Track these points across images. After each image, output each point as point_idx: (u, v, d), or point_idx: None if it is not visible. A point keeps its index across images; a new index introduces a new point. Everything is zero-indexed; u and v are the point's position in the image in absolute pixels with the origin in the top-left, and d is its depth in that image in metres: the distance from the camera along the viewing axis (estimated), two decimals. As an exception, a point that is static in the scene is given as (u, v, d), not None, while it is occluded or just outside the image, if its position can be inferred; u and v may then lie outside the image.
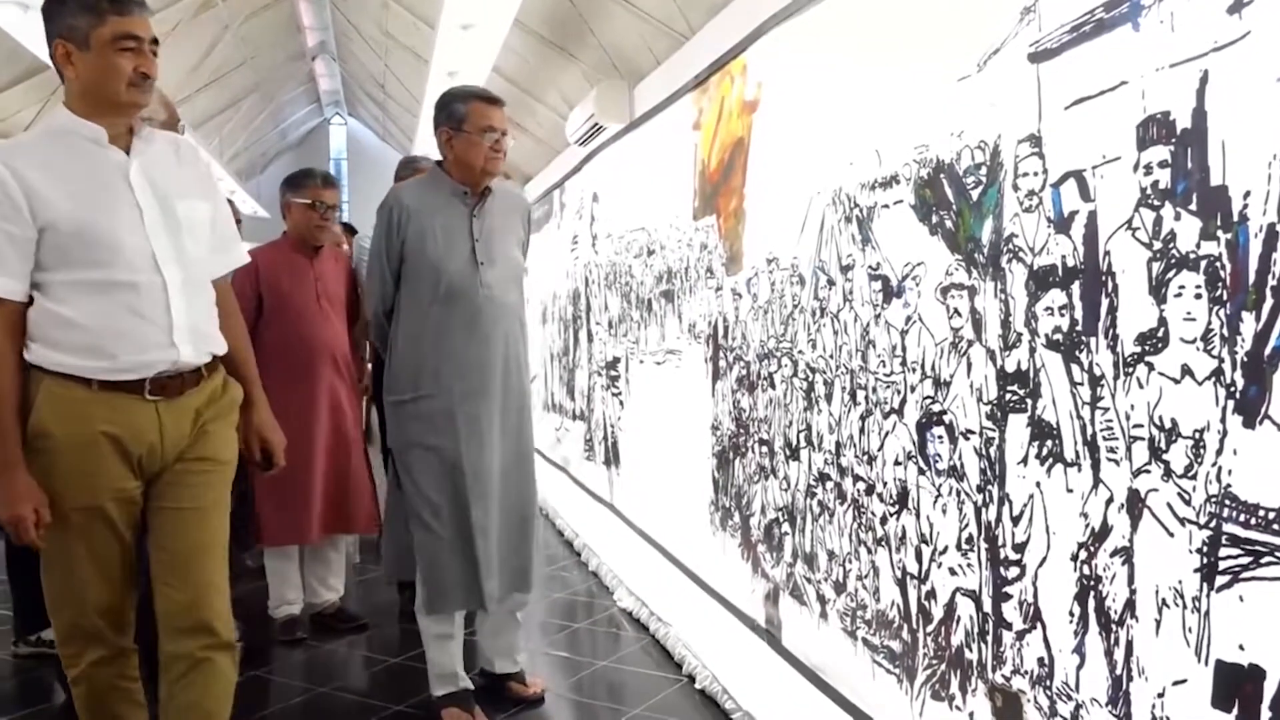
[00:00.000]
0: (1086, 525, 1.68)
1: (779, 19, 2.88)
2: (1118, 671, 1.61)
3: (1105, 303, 1.62)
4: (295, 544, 3.61)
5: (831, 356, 2.60)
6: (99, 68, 1.92)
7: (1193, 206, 1.45)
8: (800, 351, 2.79)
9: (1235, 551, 1.39)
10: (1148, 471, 1.55)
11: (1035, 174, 1.79)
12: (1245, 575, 1.38)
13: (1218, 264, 1.41)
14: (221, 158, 9.67)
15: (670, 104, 4.00)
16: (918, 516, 2.21)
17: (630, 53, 4.90)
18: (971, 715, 2.02)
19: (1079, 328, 1.69)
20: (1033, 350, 1.81)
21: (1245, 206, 1.36)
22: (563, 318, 6.19)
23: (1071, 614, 1.72)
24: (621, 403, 4.78)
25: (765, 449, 3.05)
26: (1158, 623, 1.53)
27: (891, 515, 2.32)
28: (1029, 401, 1.82)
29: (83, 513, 1.95)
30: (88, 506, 1.95)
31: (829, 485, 2.63)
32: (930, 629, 2.17)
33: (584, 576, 4.43)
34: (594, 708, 3.00)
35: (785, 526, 2.91)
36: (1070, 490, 1.72)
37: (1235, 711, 1.39)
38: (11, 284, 1.90)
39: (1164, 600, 1.52)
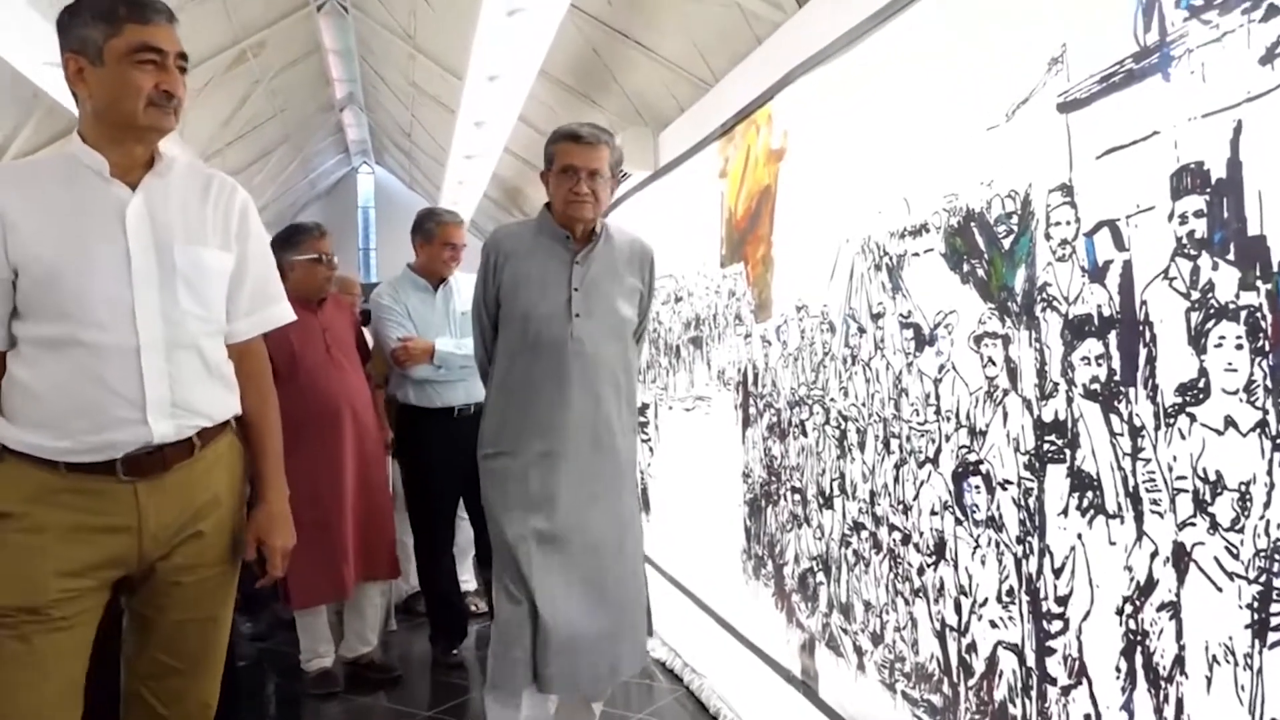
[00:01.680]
0: (1131, 578, 1.65)
1: (804, 69, 2.90)
2: (1168, 730, 1.58)
3: (1144, 353, 1.61)
4: (326, 604, 3.57)
5: (864, 404, 2.59)
6: (114, 85, 1.67)
7: (1230, 256, 1.44)
8: (832, 399, 2.77)
9: (1287, 608, 1.36)
10: (1193, 524, 1.52)
11: (1068, 223, 1.79)
12: (1299, 632, 1.35)
13: (1258, 314, 1.39)
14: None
15: (696, 152, 4.03)
16: (956, 567, 2.18)
17: (654, 99, 4.96)
18: (1017, 772, 1.97)
19: (1117, 378, 1.67)
20: (1070, 400, 1.79)
21: (1285, 257, 1.35)
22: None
23: (1118, 669, 1.69)
24: (651, 449, 4.77)
25: (798, 497, 3.03)
26: (1209, 680, 1.49)
27: (929, 566, 2.29)
28: (1068, 452, 1.80)
29: (23, 611, 1.64)
30: (31, 606, 1.64)
31: (864, 534, 2.61)
32: (972, 683, 2.13)
33: (616, 625, 4.39)
34: (629, 762, 2.97)
35: (820, 576, 2.88)
36: (1113, 543, 1.69)
37: (1293, 773, 1.35)
38: None
39: (1214, 656, 1.48)
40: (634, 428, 2.78)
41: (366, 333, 3.83)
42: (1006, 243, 1.97)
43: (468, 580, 4.44)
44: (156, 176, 1.76)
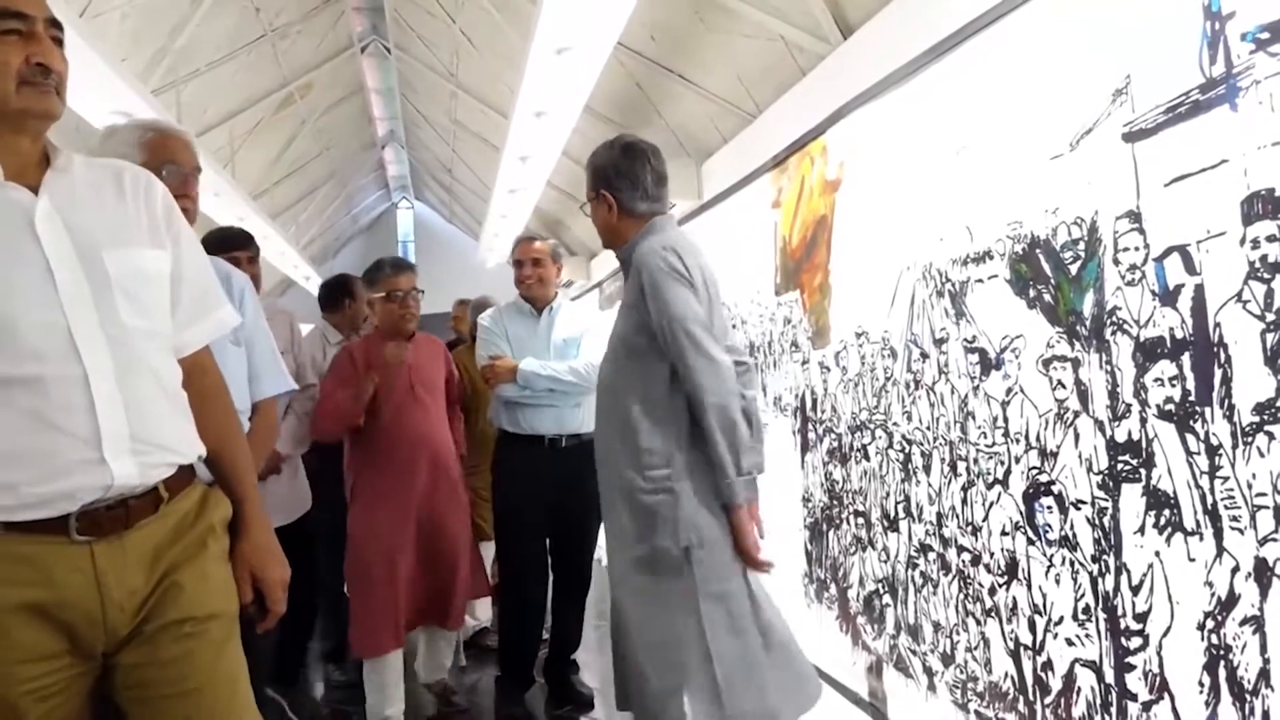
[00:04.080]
0: (1212, 594, 1.69)
1: (859, 101, 2.98)
2: (1256, 742, 1.61)
3: (1219, 373, 1.66)
4: (385, 653, 3.31)
5: (929, 428, 2.64)
6: None
7: (1305, 279, 1.49)
8: (895, 423, 2.82)
9: (1374, 619, 1.40)
10: (1275, 540, 1.56)
11: (1136, 249, 1.84)
12: (1387, 643, 1.38)
13: (1336, 335, 1.44)
14: (298, 244, 10.03)
15: (747, 183, 4.11)
16: (1029, 587, 2.22)
17: (697, 131, 5.05)
18: (1098, 788, 2.00)
19: (1192, 398, 1.72)
20: (1144, 420, 1.84)
21: (1361, 279, 1.40)
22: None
23: (1201, 684, 1.72)
24: (704, 475, 4.82)
25: (861, 520, 3.07)
26: (1295, 692, 1.53)
27: (1001, 586, 2.33)
28: (1143, 471, 1.85)
29: None
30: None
31: (931, 556, 2.65)
32: (1049, 700, 2.16)
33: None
34: (700, 785, 3.00)
35: (886, 598, 2.92)
36: (1192, 559, 1.73)
37: (1386, 782, 1.39)
38: None
39: (1301, 669, 1.52)
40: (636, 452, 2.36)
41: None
42: (1074, 268, 2.03)
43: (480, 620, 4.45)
44: (58, 174, 1.45)
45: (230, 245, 3.03)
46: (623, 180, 2.48)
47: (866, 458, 3.02)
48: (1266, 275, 1.56)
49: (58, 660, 1.36)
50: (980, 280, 2.37)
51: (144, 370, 1.44)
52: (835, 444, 3.24)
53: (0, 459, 1.32)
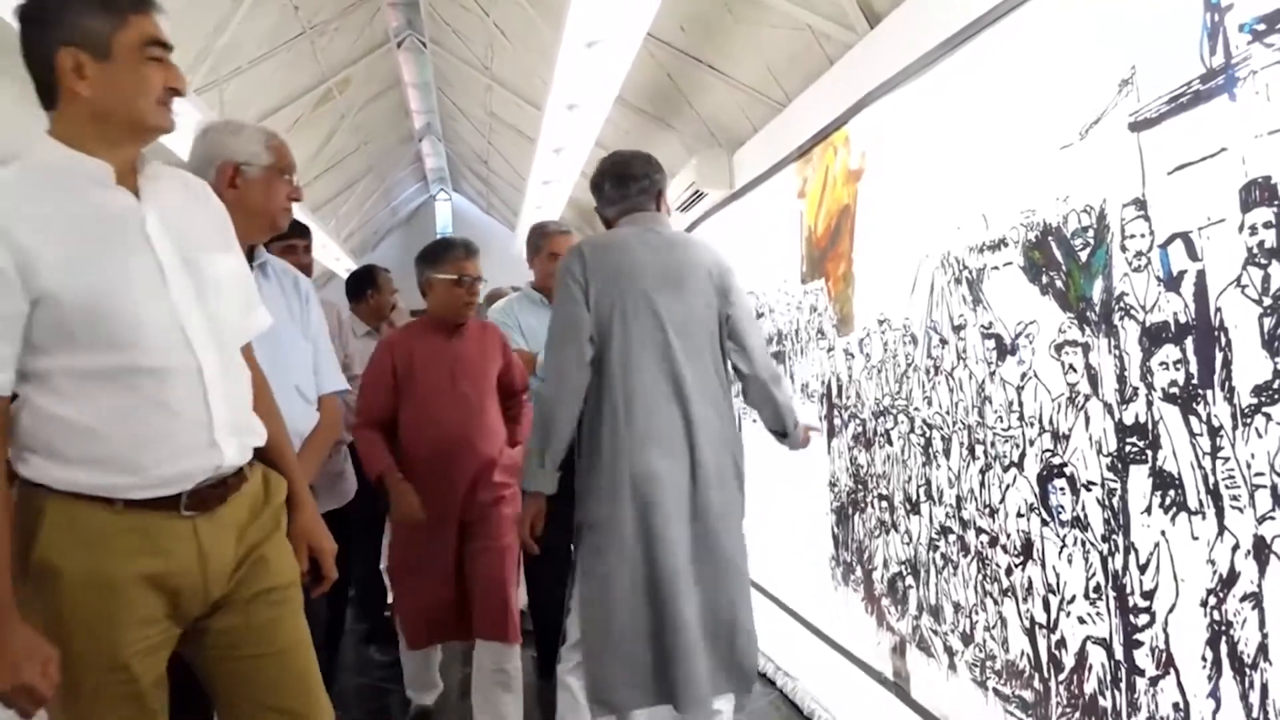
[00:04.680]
0: (1214, 572, 1.74)
1: (880, 93, 3.02)
2: (1254, 714, 1.66)
3: (1220, 357, 1.70)
4: (418, 649, 3.32)
5: (948, 413, 2.69)
6: (124, 82, 1.49)
7: (1299, 265, 1.53)
8: (916, 409, 2.88)
9: (1364, 594, 1.44)
10: (1272, 518, 1.61)
11: (1142, 235, 1.88)
12: (1376, 617, 1.43)
13: (1328, 318, 1.48)
14: (338, 237, 10.20)
15: (773, 173, 4.16)
16: (1043, 567, 2.27)
17: (728, 121, 5.10)
18: (1109, 762, 2.06)
19: (1195, 381, 1.76)
20: (1150, 403, 1.89)
21: (1351, 264, 1.44)
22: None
23: (1204, 659, 1.77)
24: (735, 461, 4.89)
25: (885, 504, 3.13)
26: (1292, 665, 1.58)
27: (1017, 566, 2.38)
28: (1149, 453, 1.89)
29: (99, 675, 1.48)
30: (107, 667, 1.48)
31: (951, 538, 2.70)
32: (1062, 677, 2.22)
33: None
34: (727, 761, 3.08)
35: (909, 580, 2.97)
36: (1196, 538, 1.78)
37: (1375, 750, 1.43)
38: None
39: (1296, 643, 1.57)
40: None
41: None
42: (1084, 255, 2.07)
43: None
44: (151, 180, 1.58)
45: (289, 233, 3.13)
46: (595, 193, 2.65)
47: (889, 442, 3.07)
48: (1263, 261, 1.60)
49: (160, 624, 1.53)
50: (996, 267, 2.41)
51: (234, 362, 1.64)
52: (860, 429, 3.30)
53: (130, 442, 1.48)
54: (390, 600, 4.55)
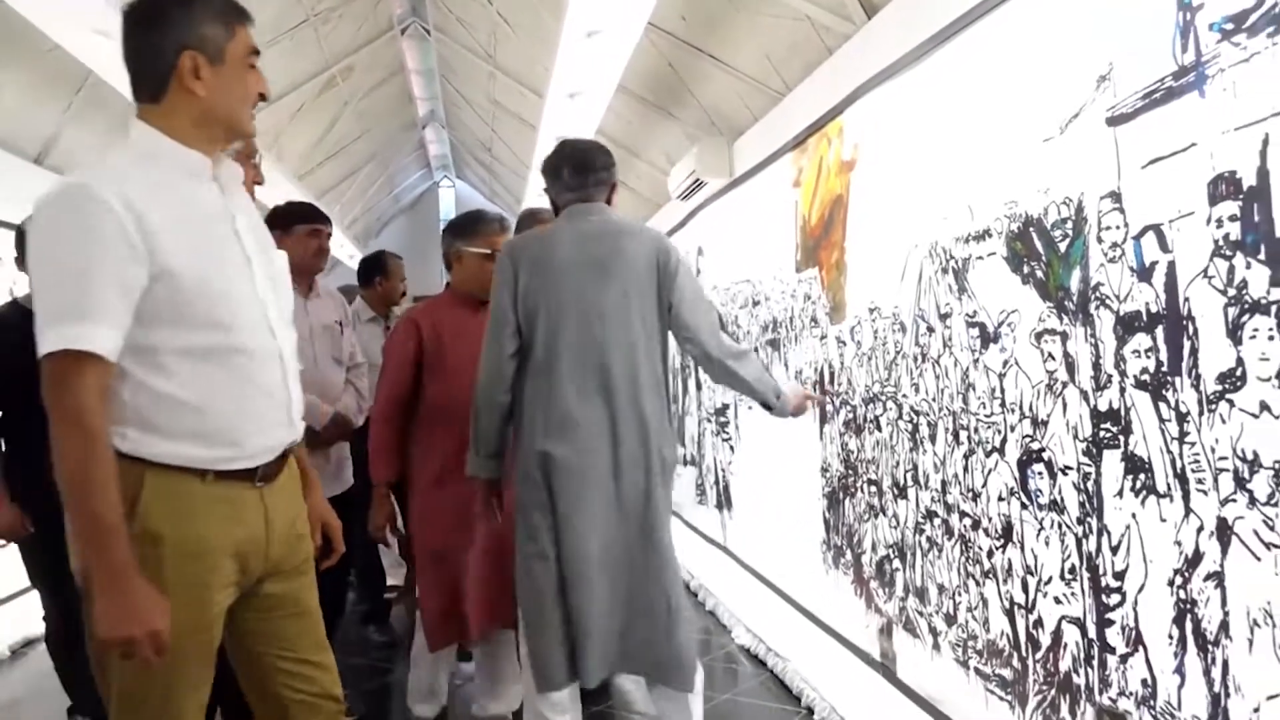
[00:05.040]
0: (1180, 552, 1.80)
1: (871, 85, 3.08)
2: (1216, 689, 1.72)
3: (1187, 345, 1.76)
4: (453, 643, 3.10)
5: (934, 399, 2.75)
6: (232, 87, 1.62)
7: (1261, 256, 1.59)
8: (904, 395, 2.94)
9: (1317, 572, 1.51)
10: (1234, 500, 1.67)
11: (1118, 227, 1.94)
12: (1327, 594, 1.49)
13: (1287, 308, 1.54)
14: (342, 223, 10.26)
15: (770, 163, 4.21)
16: (1022, 549, 2.34)
17: (728, 110, 5.15)
18: (1082, 737, 2.13)
19: (1164, 369, 1.82)
20: (1123, 390, 1.95)
21: (1308, 256, 1.50)
22: (672, 367, 6.42)
23: (1171, 636, 1.84)
24: (732, 448, 4.96)
25: (874, 489, 3.19)
26: (1250, 641, 1.64)
27: (997, 549, 2.45)
28: (1122, 438, 1.96)
29: (190, 637, 1.57)
30: (196, 629, 1.59)
31: (937, 522, 2.77)
32: (1039, 656, 2.28)
33: (701, 616, 4.59)
34: (718, 738, 3.17)
35: (896, 563, 3.04)
36: (1164, 520, 1.84)
37: (1326, 722, 1.50)
38: (114, 339, 1.50)
39: (1255, 620, 1.63)
40: None
41: None
42: (1063, 246, 2.13)
43: None
44: (229, 178, 1.71)
45: (313, 217, 3.18)
46: (551, 177, 2.62)
47: (878, 428, 3.14)
48: (1228, 253, 1.66)
49: (230, 589, 1.65)
50: (980, 257, 2.47)
51: (290, 348, 1.75)
52: (851, 416, 3.36)
53: (231, 418, 1.61)
54: (390, 583, 4.64)
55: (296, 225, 3.13)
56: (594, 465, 2.43)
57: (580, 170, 2.57)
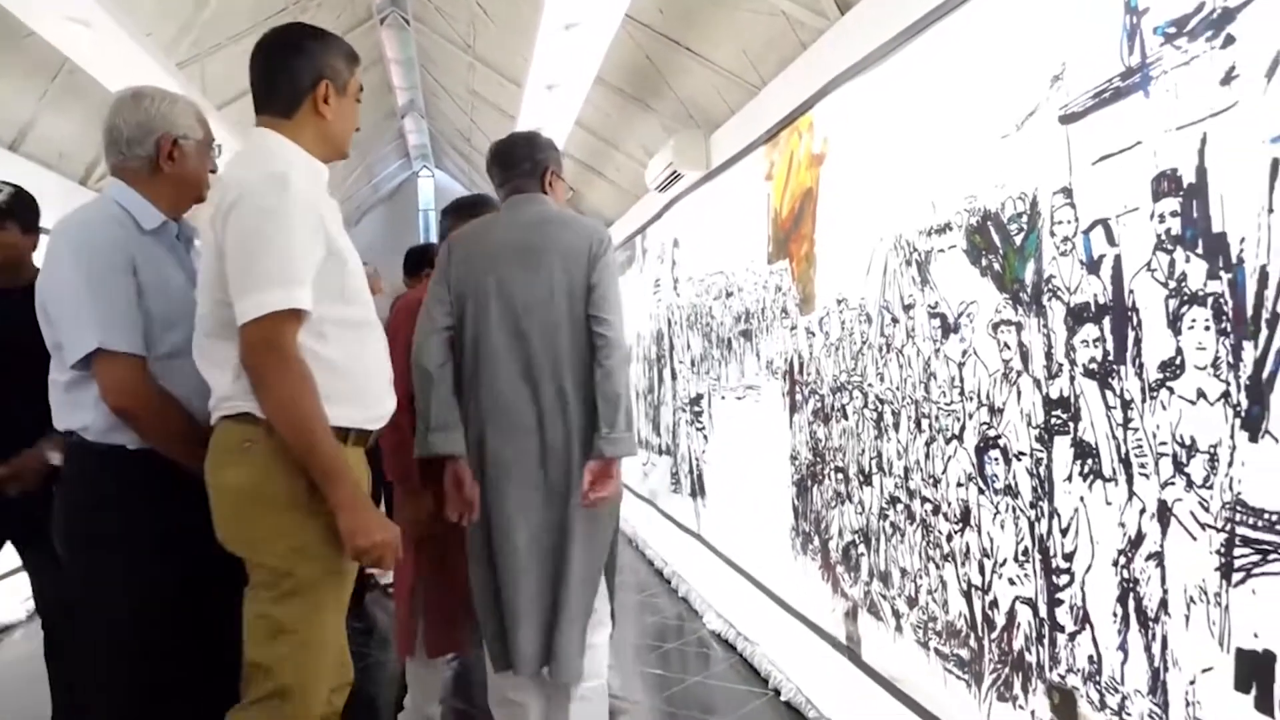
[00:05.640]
0: (1124, 534, 1.88)
1: (841, 80, 3.14)
2: (1155, 664, 1.80)
3: (1131, 335, 1.84)
4: (435, 656, 2.95)
5: (898, 388, 2.83)
6: (346, 116, 1.91)
7: (1199, 251, 1.67)
8: (869, 384, 3.01)
9: (1247, 551, 1.59)
10: (1173, 484, 1.75)
11: (1069, 222, 2.02)
12: (1256, 571, 1.57)
13: (1222, 300, 1.62)
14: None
15: (743, 156, 4.28)
16: (979, 533, 2.41)
17: (705, 104, 5.20)
18: (1033, 713, 2.21)
19: (1110, 358, 1.90)
20: (1073, 379, 2.02)
21: (1241, 250, 1.58)
22: (647, 357, 6.48)
23: (1115, 614, 1.92)
24: (705, 437, 5.03)
25: (841, 476, 3.27)
26: (1187, 618, 1.72)
27: (956, 533, 2.52)
28: (1071, 425, 2.04)
29: (350, 577, 1.85)
30: (348, 571, 1.84)
31: (899, 507, 2.85)
32: (994, 636, 2.36)
33: (674, 602, 4.67)
34: (687, 719, 3.24)
35: (861, 548, 3.12)
36: (1109, 503, 1.92)
37: (1254, 693, 1.58)
38: (310, 298, 1.73)
39: (1191, 597, 1.71)
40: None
41: None
42: (1018, 240, 2.20)
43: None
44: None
45: None
46: (489, 175, 2.70)
47: (845, 417, 3.21)
48: (1169, 247, 1.73)
49: None
50: (942, 250, 2.54)
51: None
52: (819, 405, 3.44)
53: (370, 382, 1.86)
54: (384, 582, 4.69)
55: None
56: (523, 453, 2.46)
57: (504, 165, 2.64)
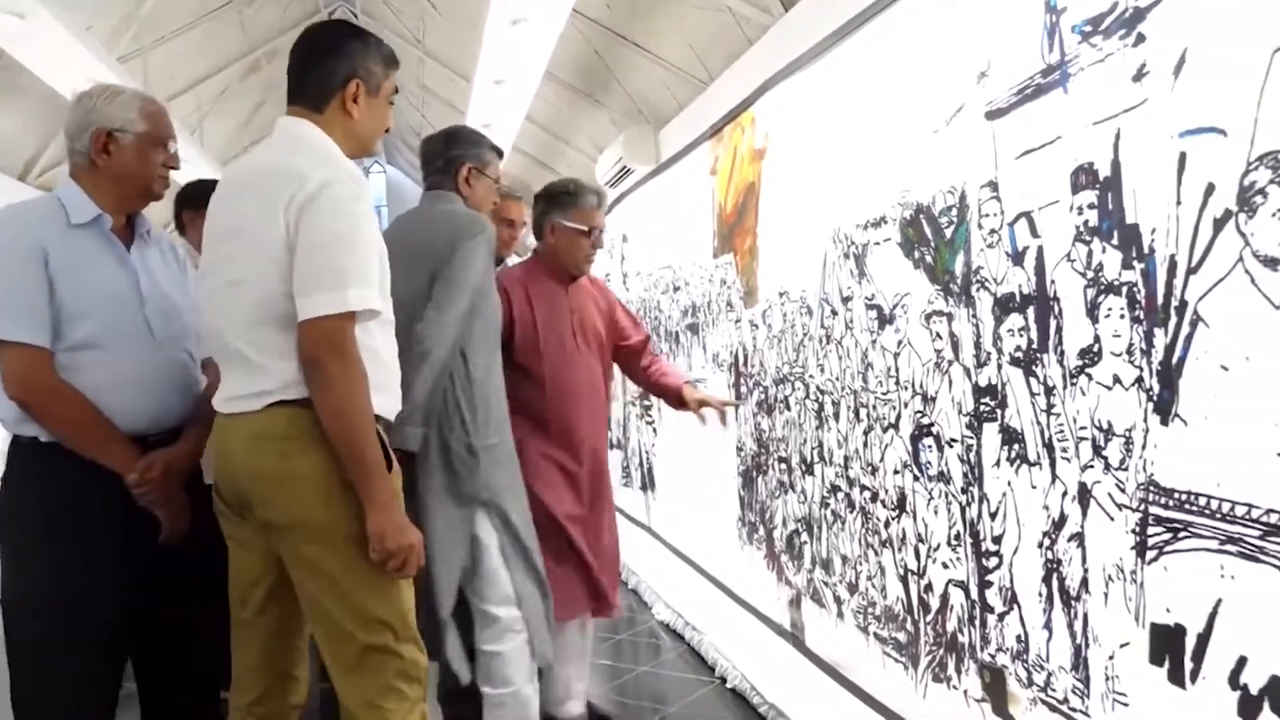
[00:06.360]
0: (1048, 516, 1.95)
1: (781, 76, 3.19)
2: (1077, 640, 1.87)
3: (1054, 324, 1.90)
4: (573, 618, 2.95)
5: (837, 379, 2.88)
6: (377, 116, 1.93)
7: (1114, 242, 1.73)
8: (810, 375, 3.07)
9: (1159, 529, 1.65)
10: (1092, 467, 1.81)
11: (995, 215, 2.08)
12: (1168, 549, 1.64)
13: (1135, 289, 1.68)
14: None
15: (690, 151, 4.32)
16: (915, 518, 2.47)
17: (654, 99, 5.23)
18: (966, 693, 2.27)
19: (1034, 346, 1.96)
20: (1000, 366, 2.09)
21: (1153, 241, 1.64)
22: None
23: (1040, 594, 1.98)
24: (655, 430, 5.07)
25: (784, 466, 3.32)
26: (1105, 595, 1.79)
27: (893, 519, 2.58)
28: (999, 411, 2.10)
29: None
30: None
31: (840, 496, 2.90)
32: (929, 619, 2.43)
33: (624, 594, 4.69)
34: (637, 707, 3.28)
35: (804, 536, 3.17)
36: (1034, 487, 1.99)
37: (1166, 665, 1.65)
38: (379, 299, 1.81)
39: (1109, 575, 1.78)
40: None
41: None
42: (948, 232, 2.26)
43: None
44: None
45: None
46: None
47: (788, 408, 3.26)
48: (1087, 238, 1.79)
49: None
50: (878, 243, 2.60)
51: None
52: (763, 396, 3.49)
53: (396, 375, 1.93)
54: None
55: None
56: (424, 447, 2.43)
57: (422, 162, 2.72)
